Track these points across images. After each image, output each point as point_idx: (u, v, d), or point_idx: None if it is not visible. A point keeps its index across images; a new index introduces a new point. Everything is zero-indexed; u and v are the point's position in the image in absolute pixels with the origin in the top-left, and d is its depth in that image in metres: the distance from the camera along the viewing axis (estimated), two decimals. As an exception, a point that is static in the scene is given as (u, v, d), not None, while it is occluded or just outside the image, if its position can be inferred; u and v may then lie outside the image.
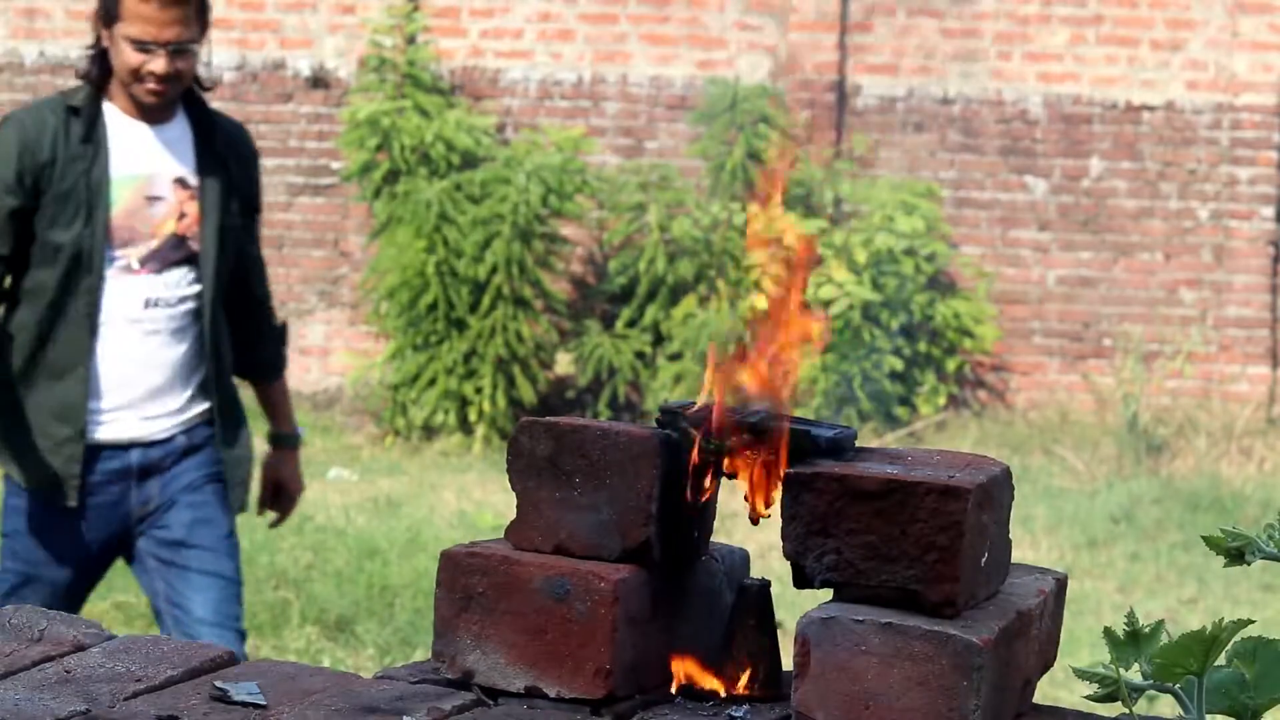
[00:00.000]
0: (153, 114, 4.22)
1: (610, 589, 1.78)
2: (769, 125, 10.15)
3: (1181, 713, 1.68)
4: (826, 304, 9.87)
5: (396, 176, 10.15)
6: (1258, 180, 10.60)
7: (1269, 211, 10.62)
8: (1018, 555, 5.27)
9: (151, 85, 4.13)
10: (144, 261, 4.19)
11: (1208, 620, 1.79)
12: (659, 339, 10.04)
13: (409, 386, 10.00)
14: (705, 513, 1.89)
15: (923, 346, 10.19)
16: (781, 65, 10.66)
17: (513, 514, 1.86)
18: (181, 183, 4.24)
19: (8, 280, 4.18)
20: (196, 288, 4.24)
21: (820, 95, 10.65)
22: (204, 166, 4.26)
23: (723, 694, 1.83)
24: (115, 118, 4.21)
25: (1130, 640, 1.67)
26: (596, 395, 10.09)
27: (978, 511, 1.73)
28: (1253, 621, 1.73)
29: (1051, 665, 1.89)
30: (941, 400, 10.21)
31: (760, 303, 9.59)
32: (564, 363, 10.31)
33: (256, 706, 1.78)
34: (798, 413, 1.93)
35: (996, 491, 1.79)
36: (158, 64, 4.11)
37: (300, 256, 10.88)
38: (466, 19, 10.78)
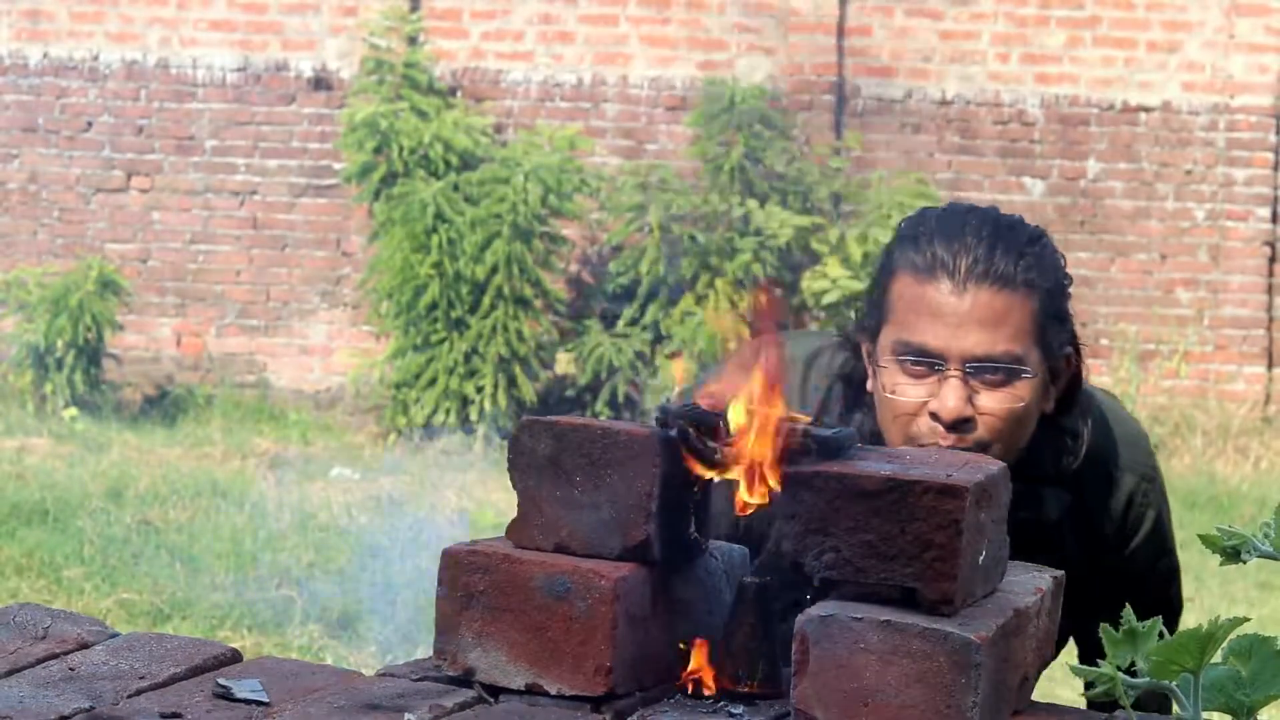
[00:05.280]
0: None
1: (610, 587, 1.79)
2: (766, 126, 10.17)
3: (1178, 710, 1.69)
4: (818, 296, 9.89)
5: (395, 178, 10.16)
6: (1254, 181, 10.60)
7: (1265, 212, 10.63)
8: (1017, 555, 5.26)
9: (923, 441, 2.31)
10: None
11: (1204, 618, 1.80)
12: (659, 338, 10.05)
13: (410, 386, 10.01)
14: (705, 511, 1.90)
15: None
16: (780, 67, 10.67)
17: (513, 512, 1.86)
18: None
19: None
20: None
21: (819, 96, 10.66)
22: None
23: (722, 691, 1.84)
24: None
25: (1127, 638, 1.68)
26: (596, 394, 10.09)
27: (975, 510, 1.74)
28: (1249, 619, 1.74)
29: (1049, 662, 1.90)
30: (941, 400, 10.21)
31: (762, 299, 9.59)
32: (564, 362, 10.32)
33: (259, 704, 1.78)
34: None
35: (994, 490, 1.80)
36: (947, 398, 2.30)
37: (303, 257, 10.88)
38: (468, 20, 10.79)
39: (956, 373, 2.28)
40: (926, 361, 2.30)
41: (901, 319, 2.32)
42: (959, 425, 2.28)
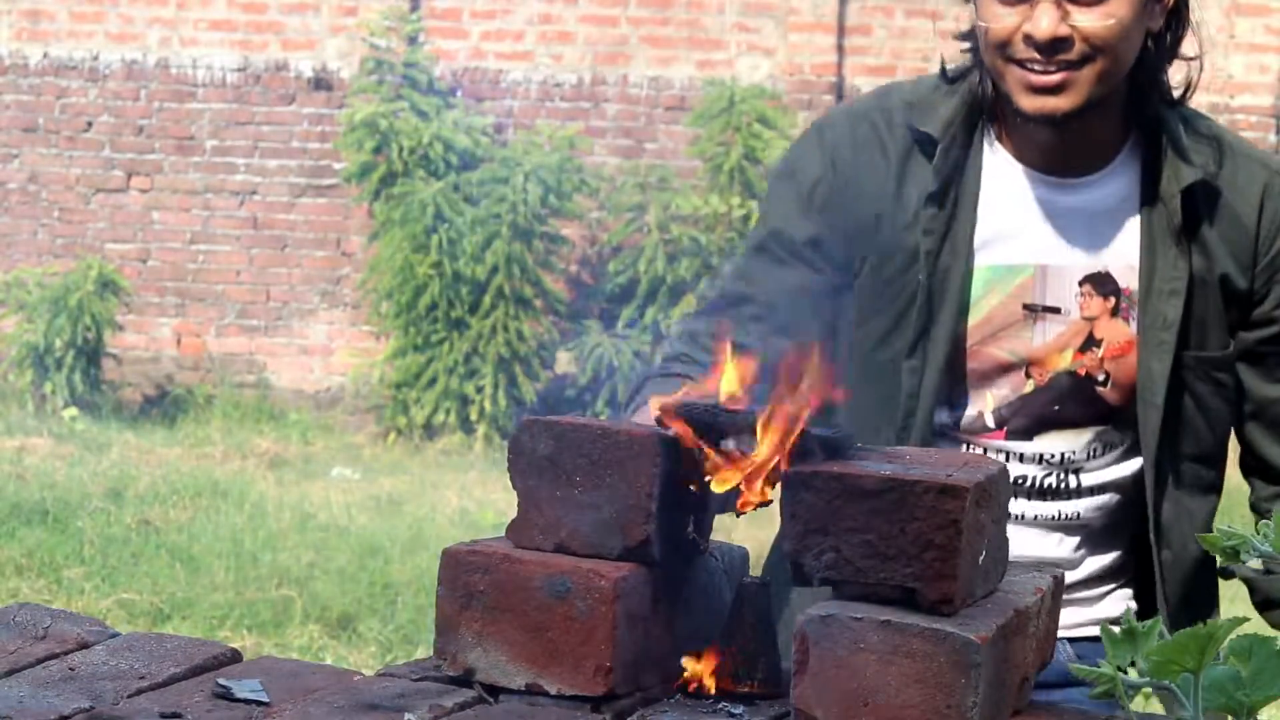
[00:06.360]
0: (1057, 156, 2.38)
1: (610, 587, 1.79)
2: (766, 126, 10.18)
3: (1178, 710, 1.69)
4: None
5: (395, 178, 10.17)
6: (1257, 181, 10.61)
7: (1268, 212, 10.63)
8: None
9: (1021, 59, 2.30)
10: (1006, 417, 2.43)
11: (1204, 618, 1.81)
12: (659, 339, 10.06)
13: (410, 386, 10.02)
14: (705, 511, 1.90)
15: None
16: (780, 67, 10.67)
17: (514, 512, 1.87)
18: (1100, 283, 2.41)
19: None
20: (1121, 466, 2.45)
21: (819, 96, 10.66)
22: (1158, 254, 2.39)
23: (722, 691, 1.84)
24: (994, 164, 2.42)
25: (1127, 638, 1.68)
26: (596, 394, 10.10)
27: (975, 510, 1.74)
28: (1249, 619, 1.74)
29: (1049, 662, 1.90)
30: (941, 400, 10.22)
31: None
32: (564, 362, 10.33)
33: (259, 704, 1.79)
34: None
35: (994, 490, 1.80)
36: (1039, 19, 2.28)
37: (303, 257, 10.89)
38: (468, 20, 10.79)
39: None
40: None
41: None
42: (1054, 46, 2.27)
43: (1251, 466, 2.55)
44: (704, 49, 10.71)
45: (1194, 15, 2.40)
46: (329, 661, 5.80)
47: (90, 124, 10.87)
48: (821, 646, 1.71)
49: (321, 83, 10.84)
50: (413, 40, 10.57)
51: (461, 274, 9.88)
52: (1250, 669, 1.67)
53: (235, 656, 1.94)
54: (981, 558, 1.77)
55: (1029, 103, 2.30)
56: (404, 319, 10.01)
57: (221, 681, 1.82)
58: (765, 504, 1.84)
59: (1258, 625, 1.74)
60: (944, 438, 2.41)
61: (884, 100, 2.46)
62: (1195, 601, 2.46)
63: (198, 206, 10.89)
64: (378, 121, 10.13)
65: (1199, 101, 10.11)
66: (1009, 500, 1.87)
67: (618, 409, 10.32)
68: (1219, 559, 1.79)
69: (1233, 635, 1.68)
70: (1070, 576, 2.40)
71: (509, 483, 1.87)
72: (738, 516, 1.88)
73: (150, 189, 10.91)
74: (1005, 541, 1.85)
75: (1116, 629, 1.67)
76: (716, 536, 1.95)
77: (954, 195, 2.38)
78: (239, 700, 1.79)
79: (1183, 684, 1.66)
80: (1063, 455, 2.41)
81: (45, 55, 10.85)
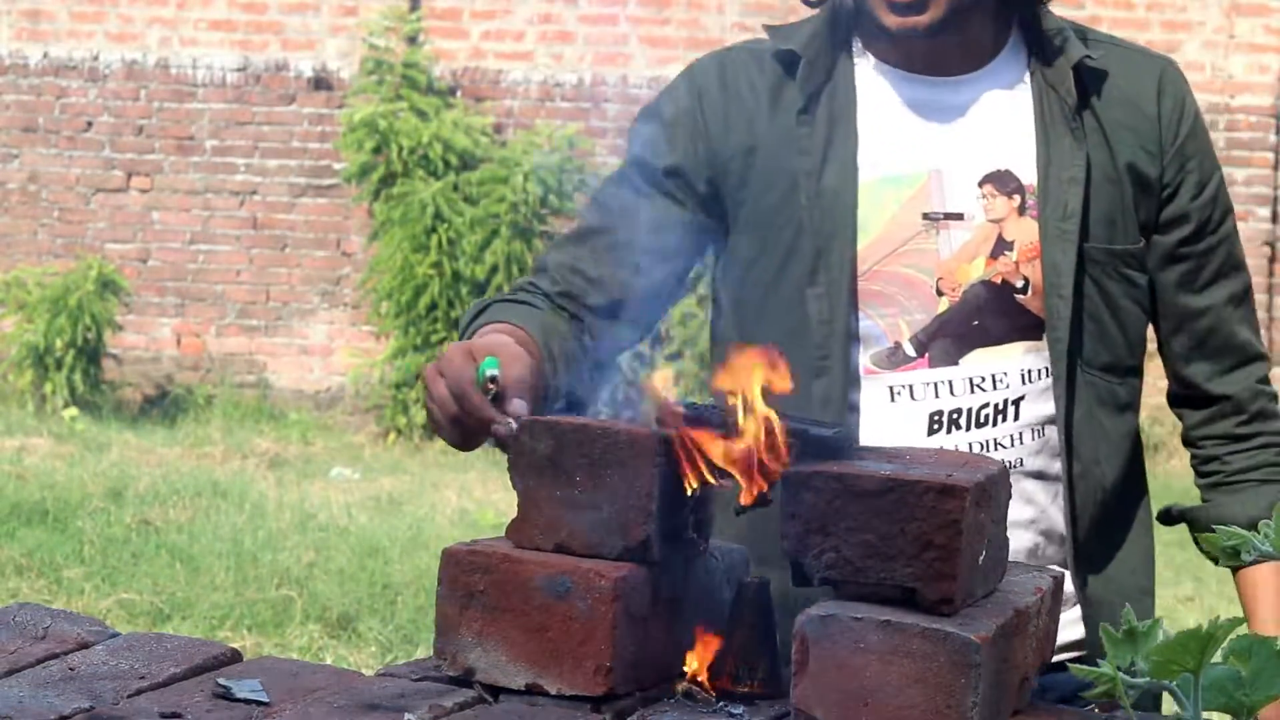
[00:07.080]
0: (933, 59, 2.27)
1: (611, 587, 1.79)
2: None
3: (1178, 710, 1.70)
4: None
5: (395, 178, 10.18)
6: (1253, 181, 10.61)
7: (1264, 212, 10.63)
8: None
9: None
10: (924, 342, 2.27)
11: (1204, 618, 1.80)
12: (658, 339, 10.06)
13: (410, 386, 10.02)
14: (705, 511, 1.90)
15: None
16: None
17: (514, 512, 1.87)
18: (1001, 182, 2.27)
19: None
20: (1045, 385, 2.27)
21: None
22: (1053, 143, 2.27)
23: (721, 691, 1.84)
24: (866, 72, 2.30)
25: (1127, 638, 1.68)
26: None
27: (975, 510, 1.74)
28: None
29: (1049, 662, 1.90)
30: (941, 400, 10.22)
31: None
32: (564, 363, 10.34)
33: (259, 704, 1.79)
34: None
35: (994, 490, 1.80)
36: None
37: (303, 256, 10.89)
38: (468, 20, 10.80)
39: None
40: None
41: None
42: None
43: (1177, 395, 2.40)
44: (704, 49, 10.68)
45: None
46: (329, 661, 5.81)
47: (90, 124, 10.87)
48: (821, 647, 1.71)
49: (321, 83, 10.84)
50: (413, 40, 10.57)
51: (461, 274, 9.88)
52: (1250, 669, 1.67)
53: (235, 656, 1.94)
54: (981, 558, 1.77)
55: (891, 20, 2.20)
56: (404, 319, 10.02)
57: (221, 681, 1.82)
58: (765, 504, 1.83)
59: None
60: (855, 384, 2.25)
61: (754, 42, 2.37)
62: (1108, 531, 2.30)
63: (198, 206, 10.89)
64: (377, 121, 10.14)
65: (1201, 102, 10.11)
66: (1009, 500, 1.87)
67: (617, 408, 10.37)
68: (1221, 560, 1.79)
69: (1232, 635, 1.68)
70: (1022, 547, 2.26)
71: (509, 483, 1.87)
72: (738, 516, 1.88)
73: (150, 189, 10.91)
74: (1005, 541, 1.86)
75: (1116, 629, 1.67)
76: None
77: (828, 110, 2.27)
78: (239, 700, 1.79)
79: (1183, 684, 1.66)
80: (994, 377, 2.24)
81: (45, 55, 10.85)
